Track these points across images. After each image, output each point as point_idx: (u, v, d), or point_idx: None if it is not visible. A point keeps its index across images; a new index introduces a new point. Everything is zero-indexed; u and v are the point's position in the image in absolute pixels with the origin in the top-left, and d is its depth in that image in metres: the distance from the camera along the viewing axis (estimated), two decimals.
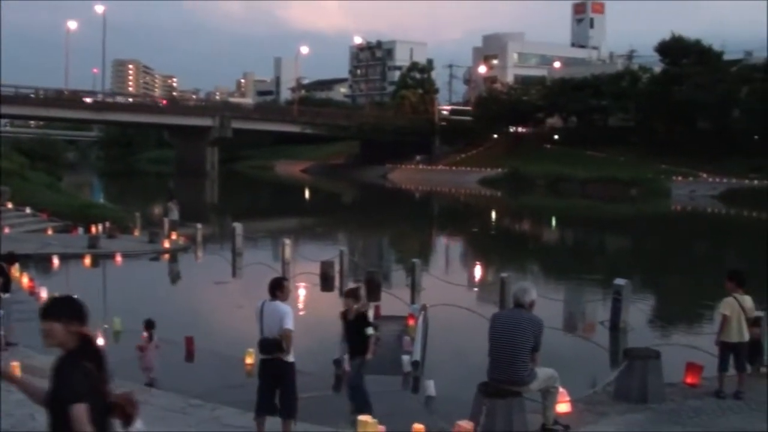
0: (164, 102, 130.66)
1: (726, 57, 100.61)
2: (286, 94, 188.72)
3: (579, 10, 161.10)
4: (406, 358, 14.92)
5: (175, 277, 28.95)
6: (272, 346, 9.80)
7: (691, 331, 19.41)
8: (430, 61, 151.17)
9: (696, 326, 20.37)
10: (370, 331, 11.55)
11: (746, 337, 11.83)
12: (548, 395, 10.02)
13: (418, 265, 24.16)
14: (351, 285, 11.93)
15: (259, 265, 27.00)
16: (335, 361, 14.56)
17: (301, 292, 23.24)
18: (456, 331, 18.60)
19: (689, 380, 12.69)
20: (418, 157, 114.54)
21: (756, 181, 74.49)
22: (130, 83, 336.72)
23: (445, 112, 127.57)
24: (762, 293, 26.02)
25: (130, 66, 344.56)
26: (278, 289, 10.08)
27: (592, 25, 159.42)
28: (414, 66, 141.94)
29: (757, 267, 35.08)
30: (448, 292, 22.63)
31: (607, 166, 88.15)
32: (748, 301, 11.82)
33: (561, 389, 10.42)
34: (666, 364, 12.09)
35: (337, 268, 25.69)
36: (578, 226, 54.79)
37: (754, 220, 60.34)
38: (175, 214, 36.63)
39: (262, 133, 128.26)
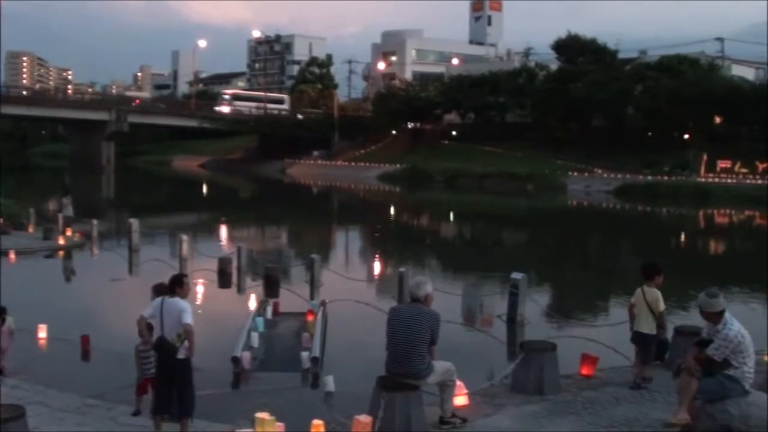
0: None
1: (620, 55, 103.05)
2: (183, 88, 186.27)
3: (477, 7, 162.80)
4: (305, 354, 14.87)
5: (70, 274, 28.34)
6: (169, 346, 9.68)
7: (586, 324, 19.75)
8: (329, 56, 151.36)
9: (591, 319, 20.75)
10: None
11: (654, 328, 12.09)
12: (446, 388, 10.09)
13: (317, 261, 24.12)
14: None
15: (156, 262, 26.63)
16: (233, 358, 14.46)
17: (199, 289, 22.96)
18: (355, 326, 18.61)
19: (584, 372, 12.93)
20: (315, 153, 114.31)
21: (649, 177, 76.33)
22: (24, 76, 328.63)
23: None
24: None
25: (24, 58, 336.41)
26: (178, 285, 9.99)
27: (489, 23, 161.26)
28: (313, 61, 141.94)
29: (653, 258, 36.01)
30: (348, 288, 22.63)
31: (504, 161, 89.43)
32: (650, 293, 12.07)
33: (458, 382, 10.52)
34: (562, 356, 12.30)
35: (234, 264, 25.51)
36: (476, 221, 55.37)
37: (647, 215, 61.88)
38: (70, 210, 35.80)
39: (159, 128, 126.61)
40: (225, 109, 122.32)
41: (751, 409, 9.18)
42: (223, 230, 44.44)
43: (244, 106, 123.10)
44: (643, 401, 11.48)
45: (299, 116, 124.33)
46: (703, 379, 9.27)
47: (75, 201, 37.08)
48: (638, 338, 12.21)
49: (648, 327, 12.05)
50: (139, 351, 11.28)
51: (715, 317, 9.29)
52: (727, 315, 9.27)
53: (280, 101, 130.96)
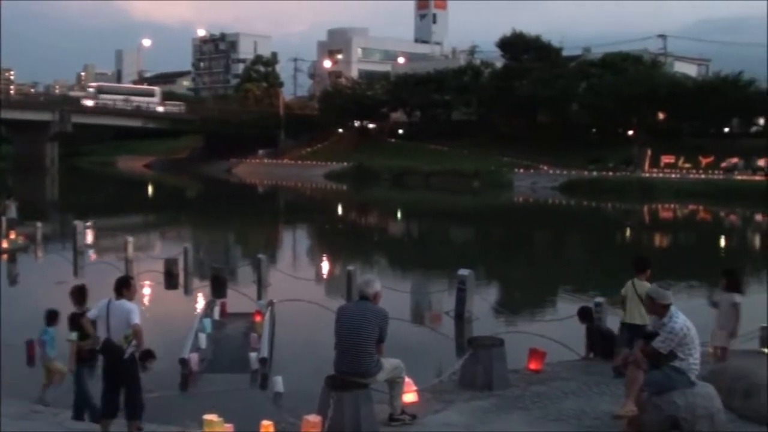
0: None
1: (565, 53, 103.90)
2: None
3: (422, 5, 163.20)
4: (253, 355, 14.78)
5: (14, 278, 27.90)
6: (116, 348, 9.58)
7: (534, 319, 19.89)
8: (274, 54, 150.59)
9: (539, 314, 20.89)
10: (72, 336, 11.17)
11: (647, 320, 12.21)
12: (394, 385, 10.08)
13: (264, 261, 24.02)
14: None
15: (102, 264, 26.34)
16: (181, 360, 14.34)
17: (146, 291, 22.74)
18: (304, 326, 18.55)
19: (532, 366, 13.00)
20: (261, 152, 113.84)
21: (594, 173, 77.07)
22: None
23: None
24: (595, 279, 26.98)
25: None
26: (124, 287, 9.88)
27: (435, 21, 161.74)
28: (258, 59, 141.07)
29: (598, 254, 36.41)
30: (296, 287, 22.56)
31: (450, 159, 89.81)
32: (642, 286, 12.24)
33: (407, 379, 10.52)
34: (510, 352, 12.35)
35: (181, 265, 25.31)
36: (423, 218, 55.51)
37: (592, 210, 62.45)
38: (13, 212, 35.27)
39: (104, 128, 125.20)
40: (90, 102, 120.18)
41: (696, 400, 9.29)
42: (170, 231, 44.08)
43: (110, 100, 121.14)
44: (591, 394, 11.57)
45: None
46: (649, 371, 9.36)
47: (19, 203, 36.57)
48: (630, 330, 12.36)
49: (640, 318, 12.24)
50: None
51: (661, 310, 9.39)
52: (672, 308, 9.37)
53: (150, 94, 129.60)
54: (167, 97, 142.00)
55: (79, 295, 11.14)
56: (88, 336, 10.51)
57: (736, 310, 12.53)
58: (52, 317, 12.67)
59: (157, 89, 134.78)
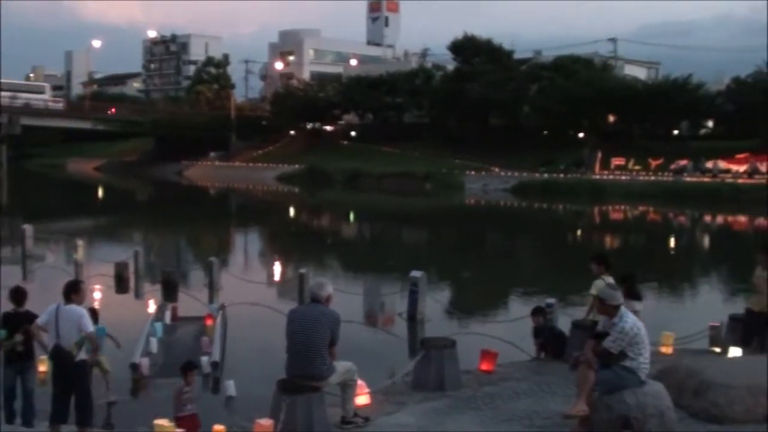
0: None
1: (516, 56, 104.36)
2: (77, 89, 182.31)
3: (374, 8, 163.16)
4: (205, 359, 14.68)
5: None
6: (66, 354, 9.48)
7: (486, 320, 19.97)
8: (225, 56, 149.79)
9: (491, 315, 20.98)
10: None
11: None
12: (347, 388, 10.06)
13: (216, 264, 23.89)
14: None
15: (51, 268, 26.04)
16: (132, 364, 14.21)
17: (96, 295, 22.48)
18: (256, 329, 18.46)
19: (484, 367, 13.05)
20: (212, 154, 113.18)
21: (546, 175, 77.58)
22: None
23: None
24: (546, 280, 27.19)
25: None
26: (74, 292, 9.78)
27: (387, 24, 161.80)
28: (209, 61, 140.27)
29: (549, 255, 36.68)
30: (248, 290, 22.46)
31: (402, 161, 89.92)
32: (595, 284, 12.39)
33: (359, 381, 10.50)
34: (462, 353, 12.39)
35: (132, 269, 25.09)
36: (376, 221, 55.53)
37: (543, 211, 62.89)
38: None
39: (53, 130, 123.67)
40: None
41: (647, 399, 9.38)
42: (120, 234, 43.70)
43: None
44: (543, 394, 11.64)
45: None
46: (600, 371, 9.43)
47: None
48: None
49: None
50: (182, 391, 11.27)
51: (611, 310, 9.46)
52: (622, 308, 9.46)
53: (40, 90, 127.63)
54: (118, 98, 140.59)
55: (18, 295, 10.96)
56: (13, 336, 10.43)
57: (639, 318, 12.02)
58: None
59: (46, 85, 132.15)
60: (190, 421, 10.95)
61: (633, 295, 12.38)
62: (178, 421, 10.57)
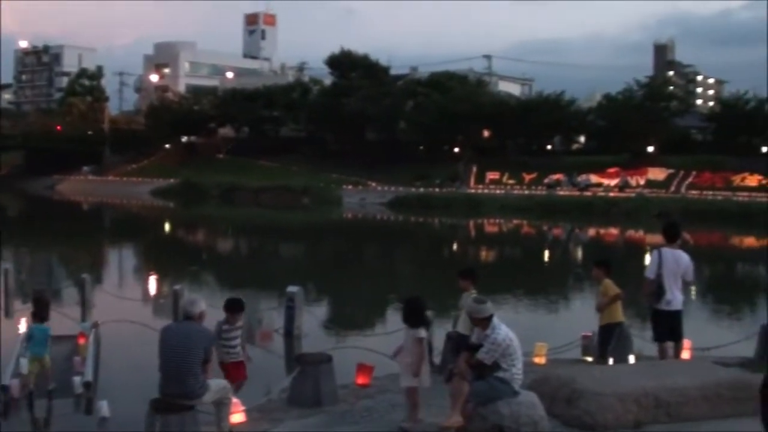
0: None
1: (392, 71, 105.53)
2: None
3: (251, 21, 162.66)
4: (77, 379, 14.26)
5: None
6: None
7: (363, 334, 19.97)
8: (99, 68, 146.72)
9: (368, 328, 21.00)
10: None
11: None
12: (221, 406, 9.93)
13: (89, 281, 23.32)
14: None
15: None
16: (1, 386, 13.74)
17: None
18: (129, 348, 18.05)
19: (360, 381, 13.06)
20: (85, 168, 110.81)
21: (422, 189, 78.40)
22: None
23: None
24: (422, 293, 27.39)
25: None
26: None
27: (264, 37, 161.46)
28: (83, 72, 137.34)
29: (425, 268, 36.97)
30: (121, 308, 21.95)
31: (280, 175, 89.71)
32: (463, 298, 12.58)
33: (234, 399, 10.38)
34: (338, 367, 12.36)
35: (1, 287, 24.30)
36: (253, 235, 55.18)
37: (420, 225, 63.46)
38: None
39: None
40: None
41: (521, 409, 9.52)
42: None
43: None
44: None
45: None
46: (474, 382, 9.53)
47: None
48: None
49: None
50: (222, 330, 11.29)
51: (483, 323, 9.57)
52: (495, 320, 9.57)
53: None
54: None
55: None
56: None
57: (419, 345, 10.24)
58: None
59: None
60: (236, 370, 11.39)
61: (416, 321, 10.44)
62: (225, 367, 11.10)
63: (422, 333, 10.12)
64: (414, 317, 10.26)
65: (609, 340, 13.52)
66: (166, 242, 51.20)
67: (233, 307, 11.69)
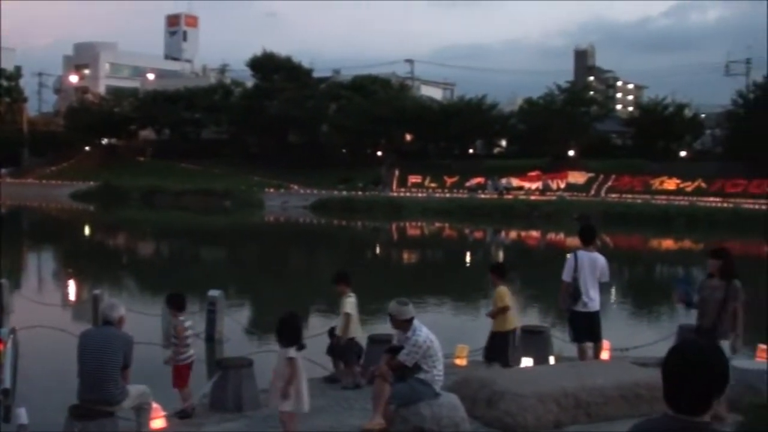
0: None
1: (315, 74, 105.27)
2: None
3: (172, 22, 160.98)
4: None
5: None
6: None
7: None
8: (18, 68, 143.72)
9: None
10: None
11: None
12: (142, 412, 9.87)
13: (6, 286, 22.89)
14: None
15: None
16: None
17: None
18: (49, 354, 17.77)
19: None
20: (3, 170, 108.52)
21: (344, 192, 78.39)
22: None
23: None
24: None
25: None
26: None
27: (185, 38, 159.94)
28: (1, 73, 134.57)
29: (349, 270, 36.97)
30: (41, 313, 21.58)
31: (201, 178, 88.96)
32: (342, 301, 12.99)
33: (154, 404, 10.31)
34: (260, 371, 12.34)
35: None
36: (174, 239, 54.64)
37: (342, 228, 63.46)
38: None
39: None
40: None
41: (442, 411, 9.63)
42: None
43: None
44: (340, 410, 11.73)
45: None
46: (395, 384, 9.60)
47: None
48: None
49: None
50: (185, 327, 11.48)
51: (404, 325, 9.65)
52: (415, 322, 9.66)
53: None
54: None
55: None
56: None
57: (289, 366, 9.41)
58: None
59: None
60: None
61: (288, 341, 9.69)
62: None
63: (292, 353, 9.28)
64: (286, 335, 9.42)
65: (506, 348, 13.49)
66: (85, 246, 50.45)
67: (179, 302, 11.76)
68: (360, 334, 13.63)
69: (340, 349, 13.53)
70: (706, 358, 3.68)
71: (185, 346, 11.66)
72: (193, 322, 12.39)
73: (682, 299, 11.76)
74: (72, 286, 31.51)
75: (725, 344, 10.27)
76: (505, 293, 13.53)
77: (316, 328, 15.96)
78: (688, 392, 3.65)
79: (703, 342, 3.84)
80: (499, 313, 13.45)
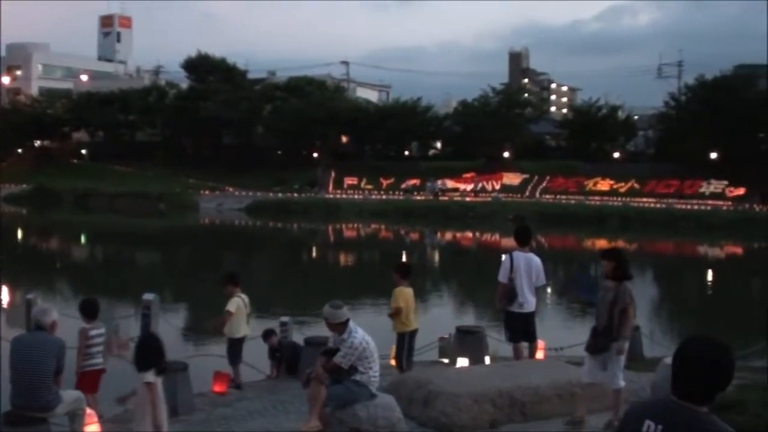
0: None
1: (250, 75, 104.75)
2: None
3: (106, 23, 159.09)
4: None
5: None
6: None
7: (221, 341, 19.80)
8: None
9: (225, 335, 20.85)
10: None
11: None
12: (76, 418, 9.75)
13: None
14: None
15: None
16: None
17: None
18: None
19: (217, 389, 13.02)
20: None
21: (280, 194, 78.09)
22: None
23: None
24: (281, 298, 27.38)
25: None
26: None
27: (119, 40, 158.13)
28: None
29: (282, 273, 36.91)
30: None
31: (135, 180, 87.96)
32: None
33: (89, 410, 10.19)
34: (195, 375, 12.29)
35: None
36: (108, 242, 54.03)
37: (278, 230, 63.27)
38: None
39: None
40: None
41: (378, 411, 9.66)
42: None
43: None
44: (276, 413, 11.72)
45: None
46: (331, 386, 9.62)
47: None
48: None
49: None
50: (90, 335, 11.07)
51: (339, 327, 9.67)
52: (351, 324, 9.69)
53: None
54: None
55: None
56: None
57: (148, 391, 8.62)
58: None
59: None
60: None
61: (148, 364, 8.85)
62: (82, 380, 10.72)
63: (150, 377, 8.52)
64: (142, 360, 8.59)
65: (400, 350, 13.57)
66: (17, 250, 49.64)
67: (89, 309, 11.56)
68: (247, 332, 13.69)
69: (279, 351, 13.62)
70: (717, 356, 3.99)
71: (87, 355, 11.44)
72: (107, 329, 12.10)
73: (579, 298, 11.92)
74: (4, 291, 31.00)
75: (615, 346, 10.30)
76: (399, 294, 13.45)
77: (255, 330, 15.88)
78: (695, 383, 3.97)
79: (716, 339, 4.07)
80: (395, 314, 13.44)
